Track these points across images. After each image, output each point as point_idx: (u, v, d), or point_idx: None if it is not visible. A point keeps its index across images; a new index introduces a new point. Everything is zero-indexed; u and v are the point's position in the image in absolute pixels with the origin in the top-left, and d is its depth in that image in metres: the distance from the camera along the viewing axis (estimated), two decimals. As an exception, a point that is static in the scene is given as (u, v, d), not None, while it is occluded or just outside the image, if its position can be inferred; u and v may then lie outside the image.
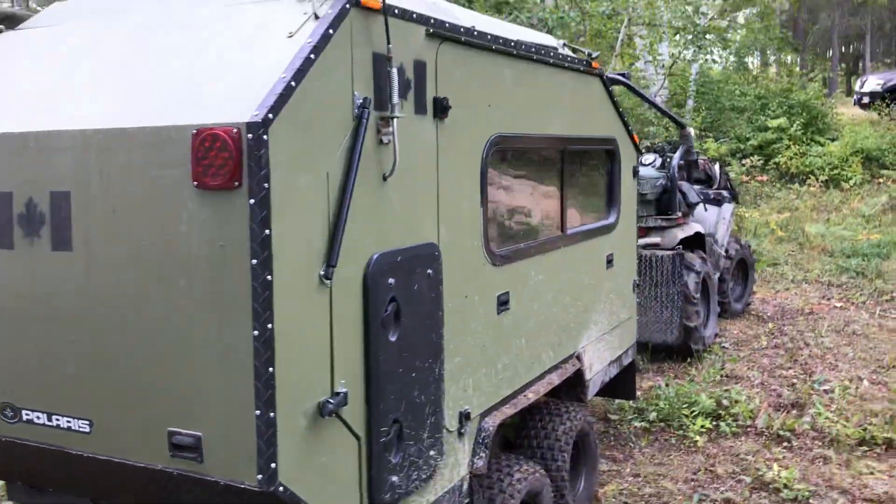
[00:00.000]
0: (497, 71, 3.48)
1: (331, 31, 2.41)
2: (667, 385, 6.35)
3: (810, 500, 4.59)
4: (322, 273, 2.41)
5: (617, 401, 6.02)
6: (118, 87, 2.59)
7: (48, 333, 2.58)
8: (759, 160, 17.71)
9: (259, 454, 2.24)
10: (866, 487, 4.72)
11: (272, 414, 2.24)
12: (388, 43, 2.61)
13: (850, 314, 8.98)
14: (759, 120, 19.02)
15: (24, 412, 2.64)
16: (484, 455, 3.42)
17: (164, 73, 2.55)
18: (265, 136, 2.16)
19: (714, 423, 5.65)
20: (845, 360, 7.31)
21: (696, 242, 7.95)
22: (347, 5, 2.49)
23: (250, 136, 2.16)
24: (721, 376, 6.87)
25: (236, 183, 2.18)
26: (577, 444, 4.57)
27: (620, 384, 5.69)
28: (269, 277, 2.19)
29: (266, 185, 2.18)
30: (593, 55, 4.52)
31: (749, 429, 5.64)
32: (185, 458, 2.34)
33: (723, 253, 8.75)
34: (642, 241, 7.19)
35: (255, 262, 2.18)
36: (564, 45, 4.54)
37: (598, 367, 4.81)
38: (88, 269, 2.46)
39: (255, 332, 2.20)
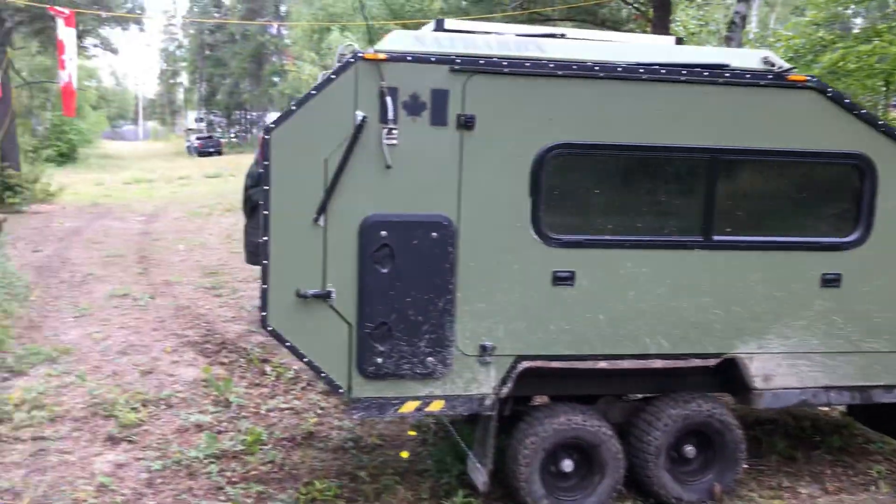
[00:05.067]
0: (557, 92, 4.29)
1: (333, 76, 4.10)
2: None
3: None
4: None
5: None
6: None
7: None
8: None
9: (261, 308, 4.18)
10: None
11: (266, 287, 4.15)
12: (382, 80, 4.10)
13: None
14: None
15: None
16: (509, 386, 4.42)
17: None
18: (268, 137, 4.06)
19: None
20: None
21: None
22: (352, 59, 4.10)
23: (266, 136, 4.08)
24: None
25: None
26: (705, 434, 4.79)
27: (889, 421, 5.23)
28: None
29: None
30: (784, 68, 4.51)
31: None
32: None
33: None
34: None
35: None
36: (766, 59, 4.63)
37: (786, 382, 4.79)
38: None
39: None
